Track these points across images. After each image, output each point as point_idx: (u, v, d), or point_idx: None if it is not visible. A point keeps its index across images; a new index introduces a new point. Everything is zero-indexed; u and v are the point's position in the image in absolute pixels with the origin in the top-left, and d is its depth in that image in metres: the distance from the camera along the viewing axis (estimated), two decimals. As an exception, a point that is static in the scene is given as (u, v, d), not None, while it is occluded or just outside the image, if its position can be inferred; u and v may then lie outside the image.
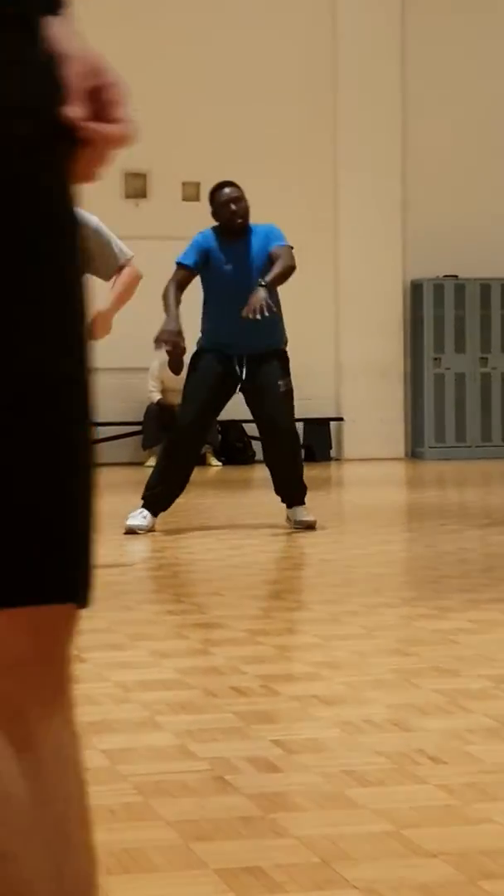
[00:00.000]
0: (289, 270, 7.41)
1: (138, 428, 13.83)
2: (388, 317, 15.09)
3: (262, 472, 13.03)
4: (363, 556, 6.12)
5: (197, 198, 14.83)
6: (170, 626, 4.27)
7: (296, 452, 7.57)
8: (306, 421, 14.89)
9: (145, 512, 7.08)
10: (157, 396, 14.16)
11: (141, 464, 13.80)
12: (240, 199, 7.51)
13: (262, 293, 7.20)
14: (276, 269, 7.33)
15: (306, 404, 15.14)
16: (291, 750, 2.75)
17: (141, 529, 6.95)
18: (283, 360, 7.69)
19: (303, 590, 5.01)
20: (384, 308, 15.10)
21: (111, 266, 5.62)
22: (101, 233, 5.62)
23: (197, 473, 12.96)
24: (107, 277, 5.62)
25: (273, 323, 7.38)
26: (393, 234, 14.96)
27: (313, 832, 2.23)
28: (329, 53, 14.95)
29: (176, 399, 14.23)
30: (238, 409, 14.74)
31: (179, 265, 7.41)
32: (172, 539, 6.92)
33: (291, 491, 7.36)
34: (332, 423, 15.02)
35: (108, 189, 13.77)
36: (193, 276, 7.42)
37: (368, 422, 15.00)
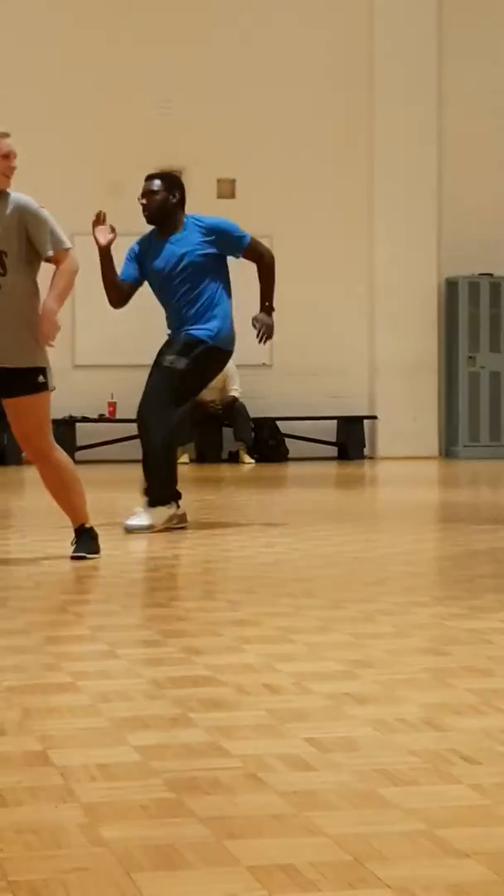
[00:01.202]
0: (272, 270, 7.44)
1: (172, 425, 13.85)
2: (423, 315, 15.05)
3: (295, 470, 13.04)
4: (396, 555, 6.11)
5: (232, 195, 14.83)
6: (202, 622, 4.27)
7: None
8: (340, 419, 14.88)
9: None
10: (190, 393, 14.16)
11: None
12: (153, 192, 7.22)
13: (268, 319, 7.33)
14: (264, 283, 7.42)
15: (340, 402, 15.13)
16: (324, 748, 2.74)
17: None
18: (194, 347, 7.17)
19: (336, 588, 5.00)
20: (419, 306, 15.07)
21: (44, 244, 5.60)
22: (38, 215, 5.63)
23: (230, 471, 13.00)
24: (43, 253, 5.62)
25: (199, 316, 7.21)
26: (428, 232, 14.92)
27: (346, 831, 2.23)
28: (365, 52, 14.91)
29: (208, 395, 14.25)
30: (271, 407, 14.78)
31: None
32: (205, 536, 6.93)
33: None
34: (366, 422, 15.00)
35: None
36: (133, 287, 7.25)
37: (402, 420, 14.97)
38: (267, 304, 7.36)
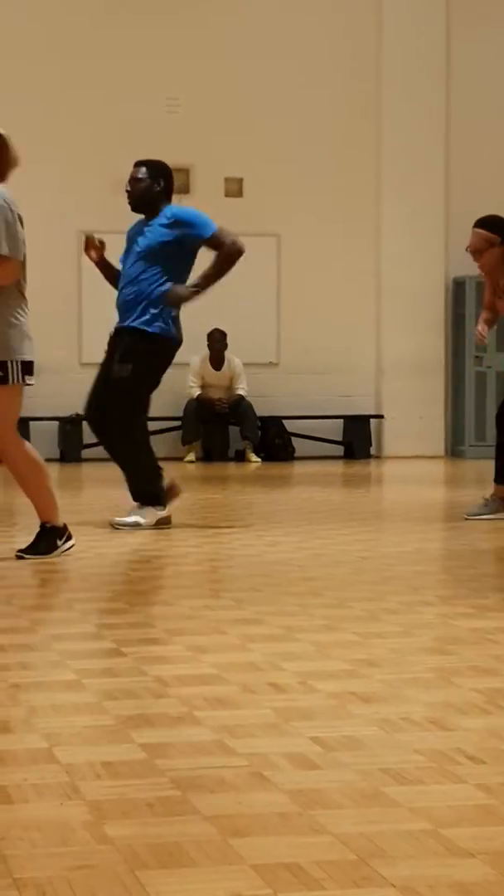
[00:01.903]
0: (227, 261, 7.18)
1: (178, 423, 13.85)
2: (430, 314, 15.05)
3: (301, 469, 13.03)
4: (402, 554, 6.11)
5: (240, 194, 14.83)
6: (208, 621, 4.27)
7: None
8: (346, 418, 14.88)
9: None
10: (196, 392, 14.17)
11: (180, 459, 13.82)
12: (137, 180, 7.23)
13: (182, 290, 7.03)
14: (210, 266, 7.16)
15: (346, 401, 15.13)
16: (329, 747, 2.75)
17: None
18: (137, 340, 7.08)
19: (341, 587, 5.00)
20: (426, 305, 15.06)
21: None
22: None
23: (236, 469, 13.01)
24: None
25: (138, 304, 7.10)
26: (435, 230, 14.92)
27: (351, 829, 2.23)
28: (373, 51, 14.90)
29: (215, 394, 14.27)
30: (277, 405, 14.78)
31: None
32: (211, 534, 6.93)
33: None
34: (373, 421, 14.99)
35: (151, 184, 13.75)
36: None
37: (409, 419, 14.96)
38: (198, 282, 7.09)
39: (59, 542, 5.83)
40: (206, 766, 2.61)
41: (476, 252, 7.73)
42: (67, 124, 14.05)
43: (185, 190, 14.70)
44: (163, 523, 7.07)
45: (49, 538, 5.80)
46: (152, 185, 7.23)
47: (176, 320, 7.19)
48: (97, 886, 1.98)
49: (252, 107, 14.66)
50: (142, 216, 7.30)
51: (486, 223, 7.74)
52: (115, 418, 7.10)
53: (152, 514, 7.05)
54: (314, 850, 2.14)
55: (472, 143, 15.04)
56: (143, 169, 7.30)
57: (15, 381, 5.67)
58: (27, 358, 5.73)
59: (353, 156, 14.98)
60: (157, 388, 7.28)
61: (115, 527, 6.94)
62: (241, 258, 7.33)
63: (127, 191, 7.24)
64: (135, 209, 7.27)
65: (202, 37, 14.51)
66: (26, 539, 6.28)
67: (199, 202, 15.02)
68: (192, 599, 4.75)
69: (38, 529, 5.84)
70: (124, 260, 7.29)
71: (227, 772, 2.57)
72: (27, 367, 5.73)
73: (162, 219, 7.17)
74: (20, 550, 5.75)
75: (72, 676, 3.42)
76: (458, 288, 14.96)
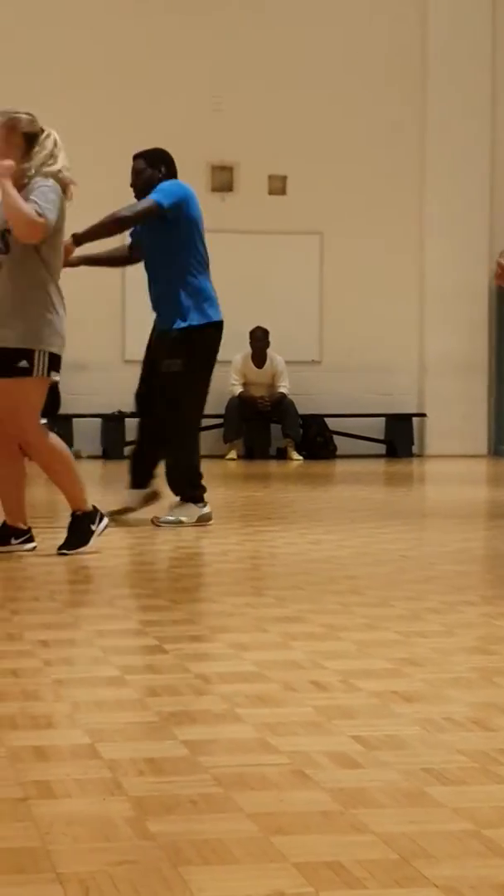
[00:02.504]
0: (106, 222, 6.92)
1: (220, 421, 13.86)
2: (474, 313, 15.00)
3: (343, 467, 13.02)
4: (444, 553, 6.10)
5: (283, 191, 14.83)
6: (249, 618, 4.28)
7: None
8: (388, 416, 14.85)
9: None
10: (238, 389, 14.18)
11: (222, 456, 13.84)
12: (138, 172, 7.15)
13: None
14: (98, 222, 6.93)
15: (389, 399, 15.10)
16: (371, 746, 2.74)
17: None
18: (181, 341, 7.05)
19: (383, 586, 4.99)
20: (470, 304, 15.01)
21: None
22: (36, 189, 5.59)
23: (278, 467, 13.01)
24: None
25: (168, 304, 7.08)
26: (480, 230, 14.87)
27: (393, 829, 2.23)
28: (418, 51, 14.86)
29: (257, 392, 14.27)
30: (319, 403, 14.77)
31: None
32: (253, 532, 6.94)
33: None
34: (415, 419, 14.96)
35: (195, 182, 13.78)
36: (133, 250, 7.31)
37: (451, 418, 14.92)
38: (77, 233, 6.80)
39: (93, 527, 5.83)
40: (249, 764, 2.61)
41: None
42: (112, 123, 14.09)
43: (229, 188, 14.72)
44: (204, 520, 7.08)
45: (82, 526, 5.81)
46: (154, 174, 7.13)
47: (209, 301, 7.13)
48: (140, 882, 1.99)
49: (296, 105, 14.65)
50: None
51: None
52: (170, 412, 7.08)
53: (194, 511, 7.07)
54: (356, 848, 2.14)
55: (517, 142, 14.97)
56: (142, 160, 7.20)
57: (40, 373, 5.66)
58: (55, 351, 5.72)
59: (397, 155, 14.95)
60: (210, 377, 7.25)
61: (157, 524, 6.96)
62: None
63: (131, 185, 7.19)
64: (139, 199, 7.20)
65: (247, 35, 14.51)
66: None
67: (243, 200, 15.05)
68: (234, 597, 4.76)
69: (71, 520, 5.84)
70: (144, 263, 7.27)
71: (269, 769, 2.57)
72: (54, 362, 5.72)
73: None
74: (60, 547, 5.77)
75: (114, 672, 3.44)
76: (501, 288, 14.89)
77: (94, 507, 5.89)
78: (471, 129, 14.82)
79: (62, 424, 12.64)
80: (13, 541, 5.84)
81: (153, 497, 7.25)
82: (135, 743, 2.77)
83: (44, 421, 12.56)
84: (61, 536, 5.99)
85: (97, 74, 14.18)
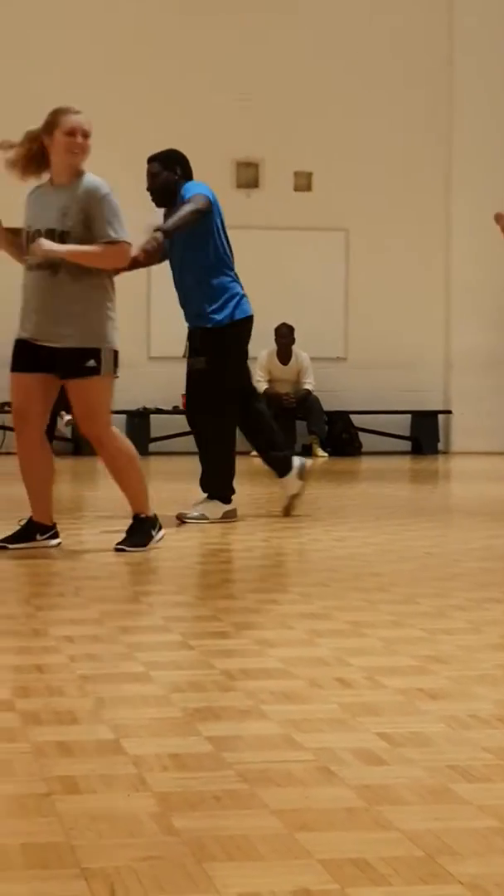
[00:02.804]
0: (187, 216, 6.88)
1: (245, 417, 13.85)
2: (499, 309, 14.95)
3: (368, 464, 13.01)
4: (469, 551, 6.08)
5: (309, 188, 14.81)
6: (275, 615, 4.27)
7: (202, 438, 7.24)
8: (414, 413, 14.82)
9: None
10: (264, 386, 14.18)
11: (247, 453, 13.85)
12: (154, 175, 7.09)
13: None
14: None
15: (414, 396, 15.07)
16: (396, 743, 2.74)
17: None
18: (206, 339, 7.12)
19: (408, 583, 4.98)
20: (496, 301, 14.96)
21: (98, 231, 5.64)
22: (101, 201, 5.66)
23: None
24: (96, 240, 5.67)
25: (194, 303, 7.09)
26: (505, 226, 14.80)
27: (418, 826, 2.23)
28: (445, 47, 14.82)
29: (283, 388, 14.26)
30: (344, 400, 14.75)
31: None
32: (278, 529, 6.93)
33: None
34: (441, 416, 14.93)
35: (220, 179, 13.78)
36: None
37: (477, 415, 14.88)
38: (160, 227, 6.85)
39: (154, 532, 5.89)
40: (273, 760, 2.61)
41: None
42: (140, 118, 14.10)
43: (255, 184, 14.71)
44: (229, 517, 7.08)
45: (144, 528, 5.86)
46: (171, 177, 7.11)
47: (234, 298, 7.13)
48: (164, 878, 1.99)
49: (322, 101, 14.63)
50: (163, 209, 7.18)
51: None
52: (199, 410, 7.14)
53: (218, 508, 7.08)
54: (381, 845, 2.13)
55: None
56: (156, 163, 7.15)
57: (108, 370, 5.74)
58: (117, 348, 5.80)
59: (423, 151, 14.91)
60: (243, 373, 7.28)
61: (182, 521, 6.97)
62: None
63: (147, 189, 7.17)
64: (159, 204, 7.18)
65: (274, 32, 14.50)
66: (91, 532, 6.32)
67: (269, 196, 15.05)
68: (260, 594, 4.76)
69: (133, 522, 5.88)
70: (170, 262, 7.25)
71: (294, 766, 2.57)
72: (117, 358, 5.80)
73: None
74: (118, 544, 5.79)
75: (140, 669, 3.44)
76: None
77: (155, 514, 5.93)
78: (497, 125, 14.78)
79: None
80: (38, 536, 5.86)
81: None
82: (159, 739, 2.77)
83: (68, 417, 12.54)
84: (85, 532, 6.00)
85: (124, 71, 14.19)
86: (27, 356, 5.74)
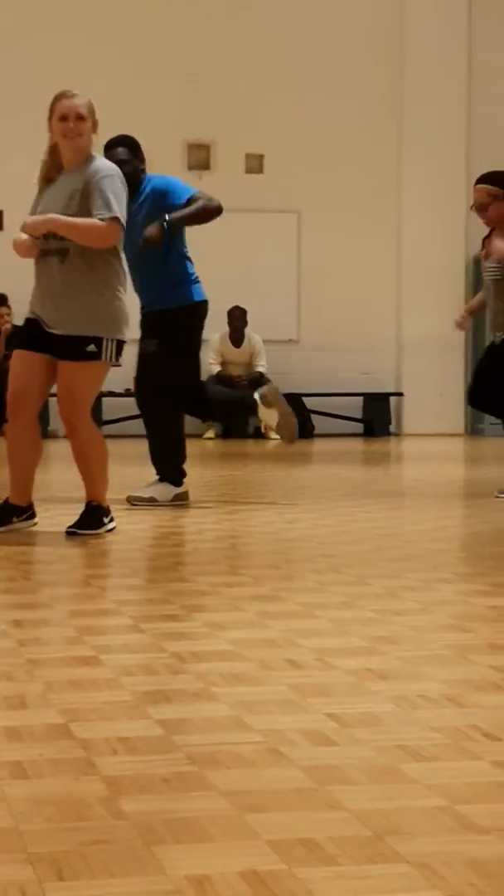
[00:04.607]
0: (202, 210, 7.00)
1: (198, 400, 13.84)
2: (451, 291, 15.00)
3: (321, 446, 13.02)
4: (421, 532, 6.10)
5: (260, 170, 14.79)
6: (226, 597, 4.27)
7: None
8: (366, 395, 14.85)
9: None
10: (216, 369, 14.17)
11: (200, 435, 13.83)
12: (121, 161, 6.86)
13: (151, 229, 6.82)
14: (185, 210, 6.96)
15: (366, 379, 15.10)
16: (346, 723, 2.74)
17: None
18: (161, 319, 7.11)
19: (360, 564, 4.99)
20: (447, 283, 15.00)
21: (93, 207, 5.64)
22: (102, 181, 5.65)
23: (255, 447, 13.00)
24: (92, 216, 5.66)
25: (152, 289, 7.09)
26: (457, 208, 14.86)
27: (366, 806, 2.23)
28: (396, 27, 14.82)
29: (235, 371, 14.25)
30: (297, 383, 14.77)
31: None
32: (230, 511, 6.93)
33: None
34: (393, 398, 14.97)
35: (171, 160, 13.75)
36: None
37: (429, 397, 14.94)
38: (169, 218, 6.89)
39: (105, 521, 5.87)
40: (223, 742, 2.61)
41: (481, 207, 7.80)
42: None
43: (206, 166, 14.68)
44: (179, 499, 7.08)
45: (97, 515, 5.84)
46: (139, 165, 7.08)
47: (189, 282, 7.12)
48: (112, 861, 1.98)
49: (273, 83, 14.61)
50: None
51: (487, 178, 7.85)
52: (150, 392, 7.12)
53: (169, 490, 7.07)
54: (330, 825, 2.14)
55: (497, 122, 14.96)
56: (121, 150, 7.05)
57: (108, 358, 5.72)
58: (122, 338, 5.77)
59: (375, 134, 14.92)
60: (195, 357, 7.26)
61: (132, 503, 6.95)
62: (219, 217, 7.15)
63: None
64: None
65: (223, 12, 14.45)
66: (44, 515, 6.30)
67: (220, 178, 15.01)
68: (211, 576, 4.76)
69: (85, 507, 5.86)
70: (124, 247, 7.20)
71: (244, 748, 2.57)
72: (120, 347, 5.78)
73: (143, 196, 7.04)
74: (70, 527, 5.77)
75: (89, 652, 3.43)
76: (478, 266, 14.89)
77: (109, 507, 5.93)
78: (448, 107, 14.81)
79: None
80: (14, 519, 5.86)
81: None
82: (109, 723, 2.76)
83: None
84: (38, 517, 5.98)
85: (73, 53, 14.10)
86: (33, 336, 5.74)
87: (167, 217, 6.86)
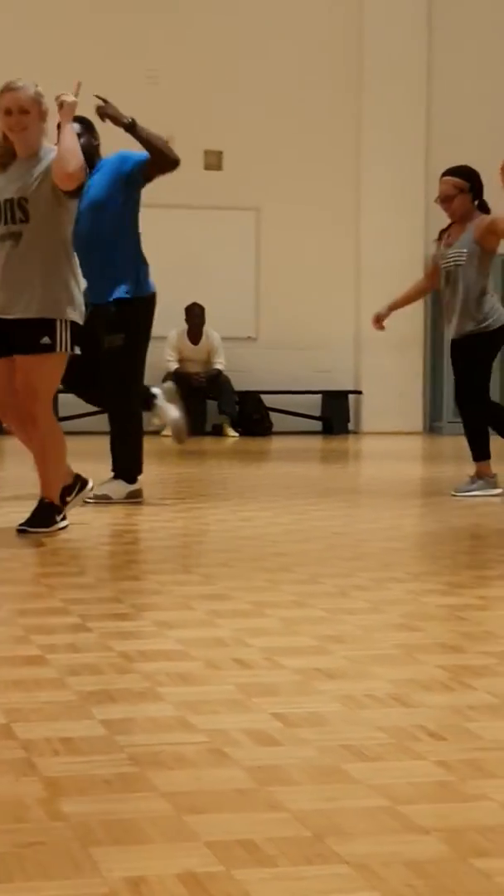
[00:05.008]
0: (162, 145, 7.04)
1: (156, 397, 13.80)
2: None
3: (279, 444, 13.02)
4: (376, 531, 6.10)
5: (219, 166, 14.76)
6: (176, 596, 4.25)
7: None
8: (325, 393, 14.85)
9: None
10: (174, 366, 14.13)
11: (157, 433, 13.79)
12: (77, 135, 6.67)
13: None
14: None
15: (325, 377, 15.10)
16: (291, 723, 2.73)
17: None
18: (120, 310, 7.02)
19: (312, 563, 4.98)
20: (405, 280, 14.99)
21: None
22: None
23: (213, 444, 12.98)
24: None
25: (105, 278, 7.00)
26: (415, 205, 14.88)
27: (307, 806, 2.22)
28: (355, 23, 14.83)
29: (193, 368, 14.22)
30: (255, 380, 14.75)
31: None
32: (185, 509, 6.91)
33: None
34: (351, 396, 14.98)
35: (130, 157, 13.69)
36: None
37: (387, 395, 14.96)
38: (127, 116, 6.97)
39: (58, 519, 5.83)
40: (166, 743, 2.59)
41: (447, 199, 7.80)
42: (48, 97, 13.93)
43: (164, 163, 14.61)
44: (133, 497, 7.05)
45: (49, 513, 5.80)
46: (92, 140, 7.06)
47: (145, 273, 7.09)
48: (49, 863, 1.96)
49: (233, 79, 14.58)
50: None
51: (454, 171, 7.86)
52: (119, 388, 7.04)
53: (122, 488, 7.04)
54: (269, 826, 2.12)
55: (454, 122, 14.99)
56: (76, 125, 6.92)
57: (63, 348, 5.67)
58: (77, 320, 5.72)
59: (334, 130, 14.92)
60: (147, 349, 7.22)
61: (85, 500, 6.91)
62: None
63: None
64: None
65: (183, 9, 14.42)
66: (3, 513, 6.26)
67: (178, 174, 14.86)
68: (162, 574, 4.73)
69: (38, 505, 5.83)
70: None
71: (187, 748, 2.55)
72: (76, 334, 5.72)
73: (97, 170, 7.00)
74: (21, 525, 5.73)
75: (35, 652, 3.40)
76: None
77: (62, 506, 5.90)
78: (407, 105, 14.83)
79: None
80: (67, 499, 6.10)
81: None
82: (51, 723, 2.74)
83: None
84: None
85: (30, 46, 14.03)
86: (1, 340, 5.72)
87: (132, 118, 6.77)
